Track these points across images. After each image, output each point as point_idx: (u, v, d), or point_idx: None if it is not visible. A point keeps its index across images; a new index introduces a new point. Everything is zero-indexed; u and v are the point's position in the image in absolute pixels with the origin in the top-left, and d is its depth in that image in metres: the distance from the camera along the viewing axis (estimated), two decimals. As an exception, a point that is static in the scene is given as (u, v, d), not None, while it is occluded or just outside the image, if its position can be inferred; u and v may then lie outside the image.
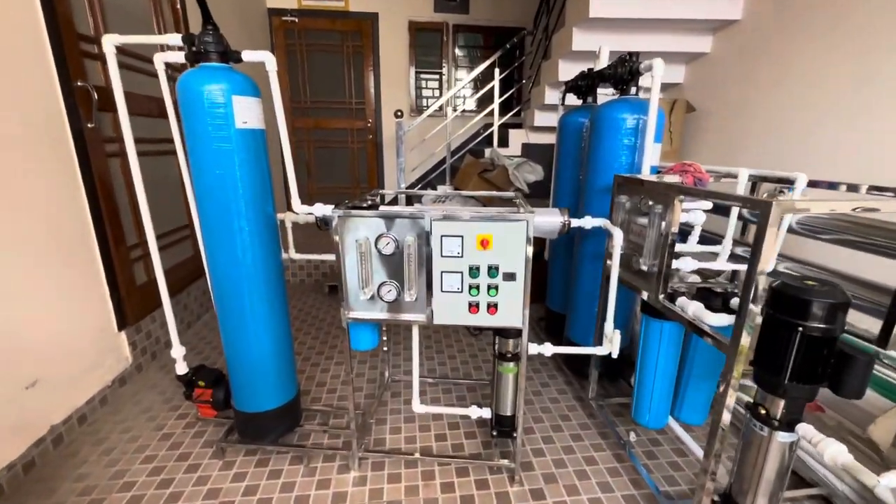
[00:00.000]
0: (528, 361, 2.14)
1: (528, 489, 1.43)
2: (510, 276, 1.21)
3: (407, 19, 4.46)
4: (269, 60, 1.26)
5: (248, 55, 1.26)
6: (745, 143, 2.52)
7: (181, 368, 1.63)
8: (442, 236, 1.19)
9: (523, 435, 1.66)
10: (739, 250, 1.59)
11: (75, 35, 1.75)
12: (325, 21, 4.39)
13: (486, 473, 1.49)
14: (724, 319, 1.18)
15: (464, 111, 4.41)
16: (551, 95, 3.29)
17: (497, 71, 3.74)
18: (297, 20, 4.34)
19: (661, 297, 1.30)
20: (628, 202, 1.49)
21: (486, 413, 1.59)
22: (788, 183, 1.38)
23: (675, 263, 1.38)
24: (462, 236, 1.19)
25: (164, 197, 2.36)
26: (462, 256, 1.20)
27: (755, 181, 1.59)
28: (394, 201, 3.75)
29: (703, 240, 1.66)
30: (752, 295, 0.97)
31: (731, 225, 1.52)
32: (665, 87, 3.26)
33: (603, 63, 1.87)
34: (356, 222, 1.25)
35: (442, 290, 1.24)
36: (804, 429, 1.04)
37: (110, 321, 1.91)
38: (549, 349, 1.52)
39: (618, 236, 1.40)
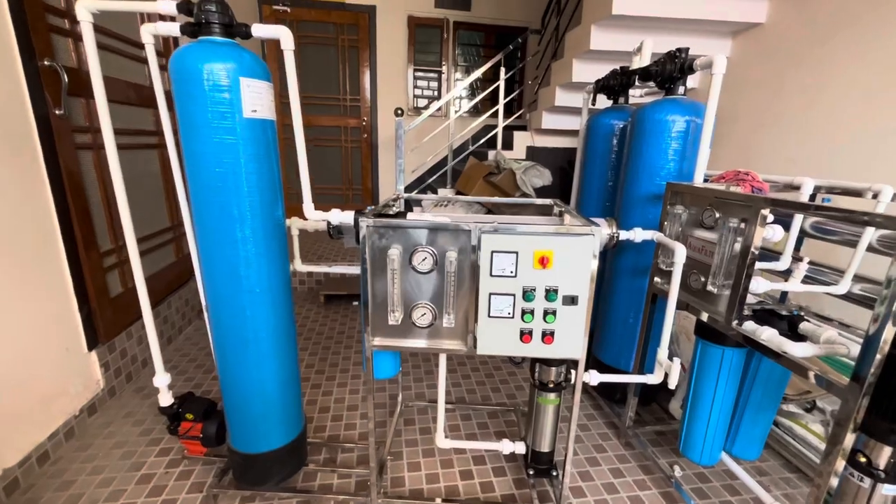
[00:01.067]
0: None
1: (574, 540, 1.25)
2: (571, 300, 1.03)
3: (406, 14, 4.26)
4: (286, 37, 1.05)
5: (259, 29, 1.05)
6: (768, 150, 2.43)
7: (166, 400, 1.38)
8: (493, 252, 1.01)
9: (564, 474, 1.49)
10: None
11: (42, 6, 1.49)
12: (320, 12, 4.15)
13: (524, 520, 1.31)
14: (809, 350, 1.03)
15: (462, 112, 4.22)
16: (563, 97, 3.14)
17: (503, 70, 3.58)
18: (289, 10, 4.08)
19: (735, 322, 1.14)
20: (685, 213, 1.34)
21: (519, 448, 1.41)
22: (855, 195, 1.25)
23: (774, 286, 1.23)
24: (517, 252, 1.00)
25: (142, 196, 2.09)
26: (516, 276, 1.02)
27: (817, 192, 1.46)
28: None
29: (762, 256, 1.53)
30: (882, 335, 0.81)
31: (792, 238, 1.39)
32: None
33: (646, 60, 1.72)
34: (388, 233, 1.05)
35: (489, 315, 1.05)
36: (918, 481, 0.90)
37: (78, 339, 1.64)
38: (595, 377, 1.35)
39: (680, 252, 1.24)
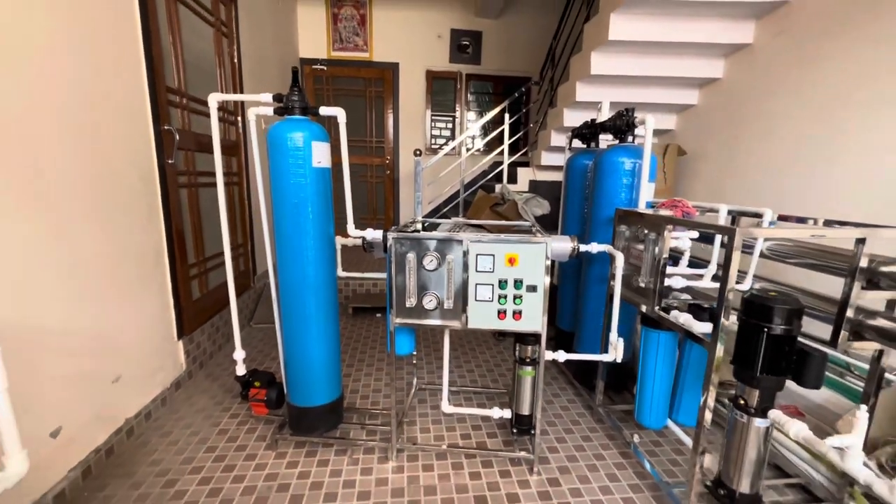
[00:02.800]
0: (548, 373, 2.37)
1: (545, 478, 1.63)
2: (532, 288, 1.48)
3: (425, 68, 4.95)
4: (341, 114, 1.59)
5: (324, 110, 1.59)
6: (730, 181, 2.85)
7: (241, 370, 1.87)
8: (477, 255, 1.48)
9: (540, 433, 1.88)
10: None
11: (164, 86, 2.10)
12: (351, 69, 4.87)
13: (508, 465, 1.70)
14: (709, 327, 1.43)
15: (476, 150, 4.80)
16: (557, 139, 3.66)
17: (507, 115, 4.15)
18: (325, 68, 4.82)
19: (657, 308, 1.56)
20: (627, 231, 1.78)
21: (506, 414, 1.82)
22: (758, 217, 1.68)
23: (667, 281, 1.66)
24: (494, 255, 1.47)
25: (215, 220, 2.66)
26: (493, 272, 1.48)
27: (735, 215, 1.89)
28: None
29: (694, 264, 1.94)
30: (723, 301, 1.23)
31: (716, 250, 1.81)
32: (659, 133, 3.64)
33: (605, 115, 2.21)
34: (406, 243, 1.53)
35: (476, 300, 1.51)
36: (774, 414, 1.28)
37: (171, 330, 2.16)
38: (562, 356, 1.77)
39: (619, 259, 1.68)
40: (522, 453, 1.72)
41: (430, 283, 1.55)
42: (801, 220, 1.81)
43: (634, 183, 1.97)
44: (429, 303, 1.56)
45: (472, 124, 4.92)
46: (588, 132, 2.34)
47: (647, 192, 1.99)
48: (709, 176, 3.07)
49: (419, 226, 1.98)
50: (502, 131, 4.21)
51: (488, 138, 4.50)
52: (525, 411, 1.79)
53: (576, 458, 1.75)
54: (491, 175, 4.44)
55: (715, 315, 1.29)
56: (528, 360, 1.74)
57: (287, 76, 4.33)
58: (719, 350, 1.29)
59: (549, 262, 1.48)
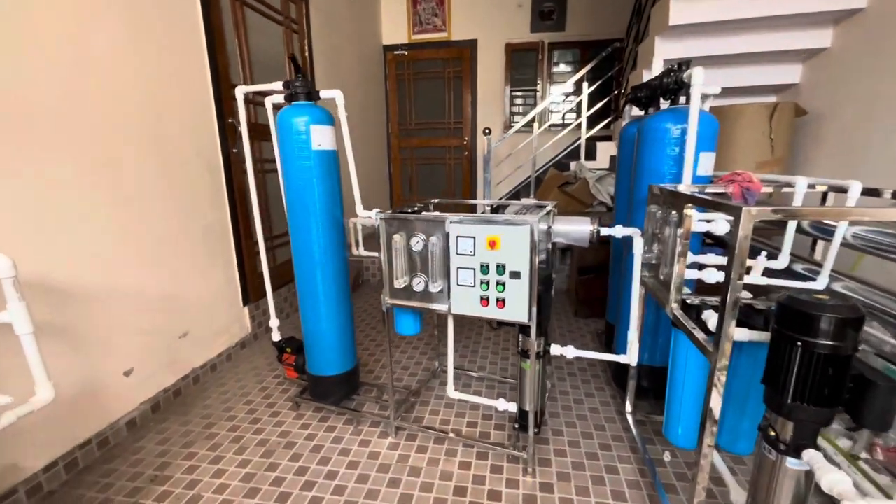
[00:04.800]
0: (578, 372, 2.17)
1: (538, 482, 1.50)
2: (516, 275, 1.34)
3: (504, 42, 4.72)
4: (339, 97, 1.62)
5: (324, 93, 1.64)
6: (869, 149, 2.15)
7: (276, 336, 2.09)
8: (458, 237, 1.39)
9: (553, 434, 1.73)
10: (800, 267, 1.44)
11: (230, 84, 2.39)
12: (430, 51, 4.90)
13: (503, 461, 1.60)
14: (744, 334, 1.14)
15: (552, 126, 4.46)
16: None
17: (585, 85, 3.75)
18: (406, 53, 4.93)
19: (674, 305, 1.28)
20: (659, 212, 1.49)
21: (511, 407, 1.71)
22: (843, 191, 1.24)
23: (697, 274, 1.35)
24: (474, 237, 1.36)
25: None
26: (474, 255, 1.38)
27: (833, 190, 1.43)
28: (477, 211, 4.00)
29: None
30: (727, 305, 0.96)
31: (789, 238, 1.40)
32: (779, 90, 2.92)
33: (655, 73, 1.85)
34: (394, 224, 1.52)
35: (458, 284, 1.43)
36: (810, 455, 0.97)
37: (238, 297, 2.50)
38: (571, 352, 1.58)
39: (637, 243, 1.42)
40: (521, 452, 1.60)
41: (419, 264, 1.51)
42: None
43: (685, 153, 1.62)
44: (417, 285, 1.53)
45: (546, 99, 4.55)
46: (643, 96, 1.98)
47: (704, 165, 1.63)
48: (838, 143, 2.37)
49: (478, 209, 1.94)
50: (580, 103, 3.83)
51: (564, 111, 4.12)
52: (529, 407, 1.66)
53: (583, 467, 1.57)
54: (566, 151, 4.09)
55: (718, 320, 1.01)
56: (530, 352, 1.59)
57: (369, 63, 4.55)
58: (720, 362, 1.01)
59: (547, 247, 1.32)
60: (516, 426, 1.68)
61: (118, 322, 1.76)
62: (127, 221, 1.78)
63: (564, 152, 4.11)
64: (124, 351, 1.80)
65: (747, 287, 1.41)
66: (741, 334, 1.11)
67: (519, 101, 4.91)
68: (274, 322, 2.08)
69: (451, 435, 1.72)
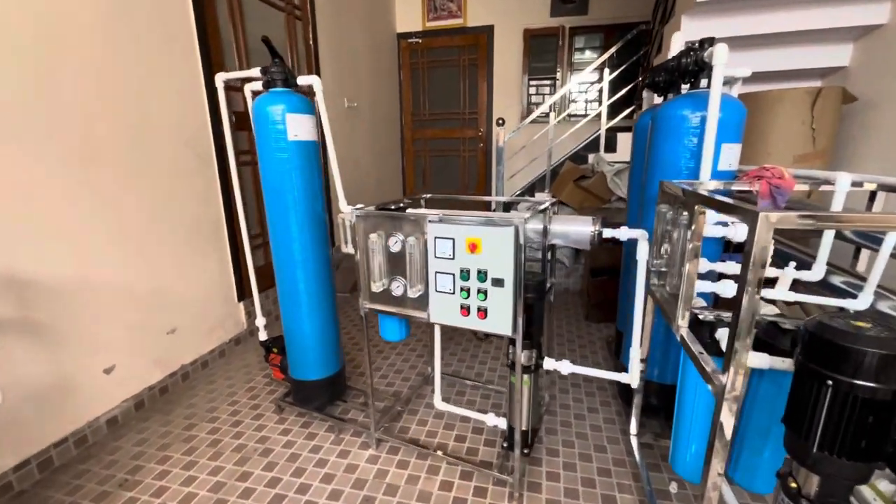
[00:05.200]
0: (582, 383, 2.00)
1: (524, 510, 1.36)
2: (498, 282, 1.19)
3: (522, 27, 4.49)
4: (316, 83, 1.49)
5: (301, 79, 1.52)
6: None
7: (263, 335, 2.01)
8: (436, 238, 1.24)
9: (545, 455, 1.57)
10: (839, 281, 1.22)
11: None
12: (445, 38, 4.72)
13: (489, 483, 1.46)
14: (761, 360, 0.95)
15: (571, 115, 4.22)
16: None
17: (607, 71, 3.49)
18: (420, 41, 4.77)
19: (680, 322, 1.10)
20: (669, 212, 1.29)
21: (502, 423, 1.57)
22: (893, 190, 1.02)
23: (711, 287, 1.16)
24: (453, 239, 1.22)
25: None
26: (454, 258, 1.23)
27: (883, 189, 1.20)
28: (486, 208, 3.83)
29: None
30: (739, 328, 0.78)
31: (825, 247, 1.19)
32: (825, 74, 2.61)
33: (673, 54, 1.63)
34: (371, 221, 1.39)
35: (437, 290, 1.29)
36: (840, 518, 0.79)
37: (232, 293, 2.45)
38: (566, 367, 1.42)
39: (642, 248, 1.24)
40: (507, 476, 1.46)
41: (397, 266, 1.38)
42: None
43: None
44: (396, 289, 1.40)
45: (563, 88, 4.28)
46: (662, 80, 1.77)
47: (728, 157, 1.42)
48: (893, 134, 2.07)
49: (492, 206, 1.80)
50: (602, 91, 3.58)
51: (585, 100, 3.86)
52: (517, 425, 1.51)
53: (576, 494, 1.41)
54: (586, 142, 3.85)
55: (727, 344, 0.83)
56: (522, 365, 1.44)
57: (381, 51, 4.42)
58: (730, 394, 0.84)
59: (521, 250, 1.16)
60: (505, 444, 1.54)
61: (99, 318, 1.71)
62: (108, 215, 1.73)
63: (583, 144, 3.87)
64: (106, 347, 1.75)
65: (770, 301, 1.21)
66: (757, 361, 0.92)
67: (538, 89, 4.66)
68: (260, 321, 2.00)
69: (437, 452, 1.59)
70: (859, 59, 2.38)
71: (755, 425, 1.20)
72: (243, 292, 2.50)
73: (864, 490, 1.34)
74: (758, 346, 1.03)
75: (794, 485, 0.87)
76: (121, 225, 1.79)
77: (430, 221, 1.25)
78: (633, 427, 1.59)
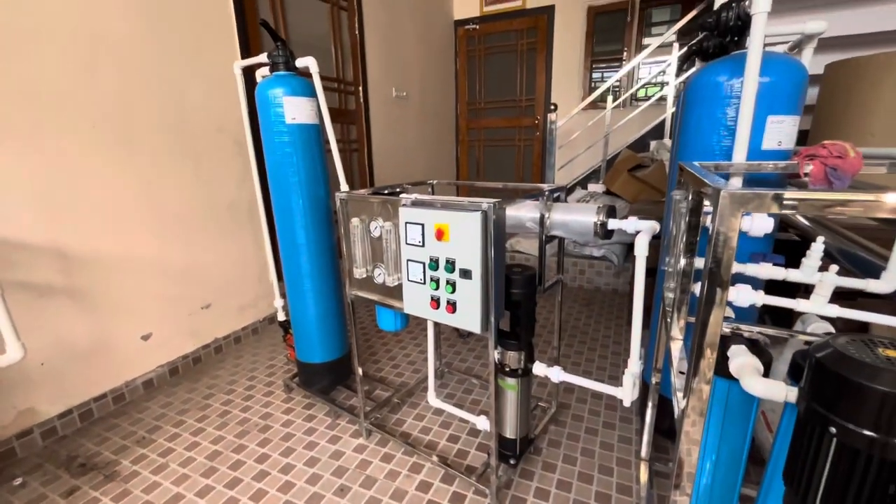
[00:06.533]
0: (604, 395, 1.79)
1: (500, 526, 1.23)
2: (466, 274, 1.07)
3: (587, 5, 4.14)
4: (312, 64, 1.48)
5: (299, 61, 1.52)
6: None
7: (281, 316, 2.08)
8: (406, 223, 1.16)
9: (540, 469, 1.43)
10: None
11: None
12: (503, 23, 4.52)
13: (468, 491, 1.36)
14: (773, 390, 0.74)
15: (635, 99, 3.80)
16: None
17: (676, 46, 3.08)
18: (477, 27, 4.63)
19: (674, 331, 0.90)
20: (684, 200, 1.07)
21: (488, 426, 1.44)
22: None
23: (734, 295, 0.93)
24: (423, 224, 1.12)
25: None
26: (423, 246, 1.14)
27: None
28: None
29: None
30: (695, 349, 0.59)
31: (817, 250, 0.89)
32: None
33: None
34: (355, 205, 1.34)
35: (409, 279, 1.20)
36: None
37: (268, 273, 2.57)
38: (556, 374, 1.26)
39: (641, 242, 1.04)
40: (486, 488, 1.34)
41: (378, 253, 1.32)
42: None
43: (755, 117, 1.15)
44: (378, 276, 1.34)
45: (644, 66, 3.86)
46: (712, 45, 1.48)
47: (776, 133, 1.14)
48: None
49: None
50: (669, 71, 3.17)
51: (653, 81, 3.42)
52: (505, 433, 1.38)
53: (564, 519, 1.25)
54: (651, 128, 3.45)
55: (688, 369, 0.64)
56: (507, 369, 1.31)
57: (435, 39, 4.37)
58: (687, 421, 0.66)
59: (490, 238, 1.03)
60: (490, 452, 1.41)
61: (138, 289, 1.89)
62: (149, 195, 1.90)
63: (647, 130, 3.47)
64: (144, 316, 1.93)
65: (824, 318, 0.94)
66: (758, 388, 0.71)
67: (606, 73, 4.28)
68: (279, 302, 2.07)
69: (423, 449, 1.52)
70: None
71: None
72: (279, 274, 2.62)
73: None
74: (794, 373, 0.81)
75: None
76: (160, 205, 1.95)
77: (402, 206, 1.17)
78: (644, 450, 1.37)
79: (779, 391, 0.71)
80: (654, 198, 2.92)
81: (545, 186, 1.32)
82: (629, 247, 3.05)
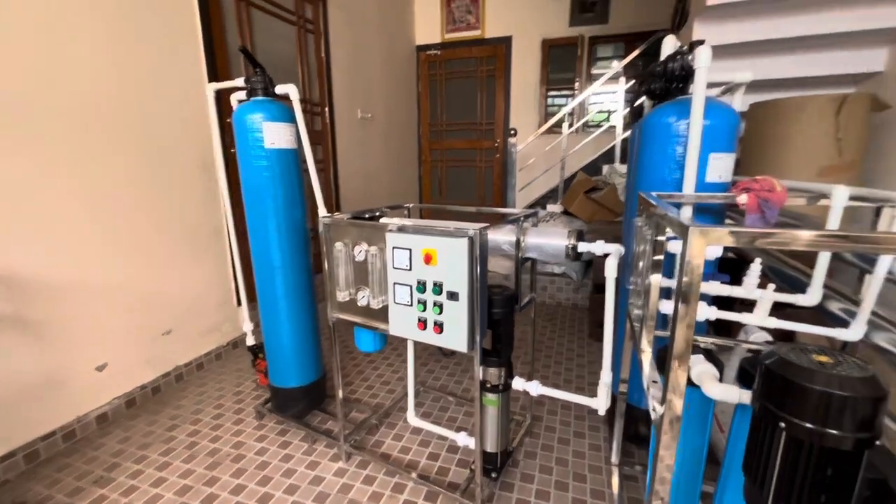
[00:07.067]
0: (573, 406, 1.89)
1: (485, 539, 1.28)
2: (453, 296, 1.13)
3: (541, 38, 4.44)
4: (293, 91, 1.51)
5: (279, 88, 1.54)
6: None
7: (250, 340, 2.03)
8: (394, 248, 1.21)
9: (518, 481, 1.49)
10: (837, 307, 1.09)
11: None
12: (464, 50, 4.73)
13: (453, 507, 1.39)
14: (729, 393, 0.85)
15: (587, 125, 4.10)
16: (676, 102, 2.79)
17: (622, 80, 3.38)
18: (439, 53, 4.81)
19: (643, 345, 1.01)
20: (646, 227, 1.20)
21: (471, 443, 1.49)
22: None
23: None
24: (410, 249, 1.18)
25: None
26: (411, 269, 1.19)
27: (881, 206, 1.07)
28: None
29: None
30: (670, 355, 0.69)
31: (821, 269, 1.06)
32: (858, 80, 2.40)
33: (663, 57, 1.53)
34: (338, 229, 1.37)
35: (395, 302, 1.25)
36: (798, 583, 0.68)
37: (231, 297, 2.50)
38: (536, 388, 1.34)
39: (611, 264, 1.15)
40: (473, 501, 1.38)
41: (361, 276, 1.35)
42: None
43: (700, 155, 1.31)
44: (361, 299, 1.37)
45: (573, 99, 4.16)
46: (658, 87, 1.67)
47: (717, 168, 1.31)
48: (931, 142, 1.87)
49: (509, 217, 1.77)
50: (618, 101, 3.47)
51: (602, 110, 3.74)
52: (488, 447, 1.43)
53: (544, 527, 1.32)
54: (602, 153, 3.73)
55: (667, 371, 0.74)
56: (489, 385, 1.37)
57: (398, 63, 4.48)
58: (663, 434, 0.75)
59: (477, 262, 1.11)
60: (473, 467, 1.46)
61: (94, 316, 1.78)
62: (108, 216, 1.81)
63: (599, 154, 3.75)
64: (100, 345, 1.82)
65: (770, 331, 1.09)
66: (716, 392, 0.82)
67: (558, 100, 4.58)
68: (248, 326, 2.02)
69: (404, 470, 1.54)
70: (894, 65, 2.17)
71: (738, 465, 1.08)
72: (252, 295, 2.54)
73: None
74: (744, 379, 0.93)
75: (753, 538, 0.76)
76: (120, 227, 1.87)
77: (389, 231, 1.22)
78: (614, 456, 1.48)
79: (734, 394, 0.82)
80: (609, 218, 3.14)
81: (517, 211, 1.42)
82: (587, 264, 3.25)
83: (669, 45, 1.52)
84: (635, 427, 1.64)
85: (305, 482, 1.51)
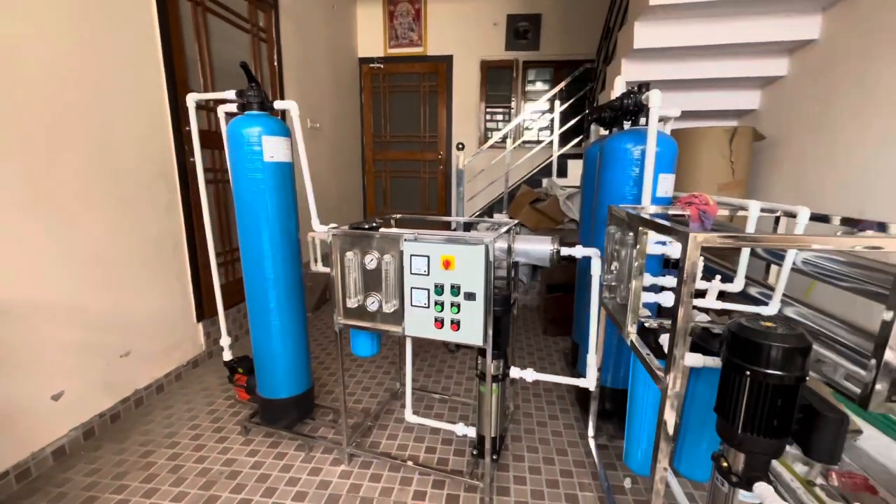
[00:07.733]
0: (543, 392, 2.12)
1: (495, 512, 1.44)
2: (471, 296, 1.29)
3: (479, 59, 4.77)
4: (293, 108, 1.56)
5: (278, 104, 1.58)
6: (824, 173, 2.22)
7: (227, 355, 1.97)
8: (412, 255, 1.33)
9: (513, 460, 1.67)
10: (755, 291, 1.44)
11: (188, 92, 2.29)
12: (406, 65, 4.90)
13: (461, 490, 1.53)
14: (696, 360, 1.11)
15: (526, 142, 4.50)
16: (606, 126, 3.24)
17: (557, 103, 3.80)
18: (382, 66, 4.92)
19: (630, 329, 1.26)
20: (618, 233, 1.47)
21: (471, 432, 1.64)
22: (794, 216, 1.25)
23: (655, 298, 1.33)
24: (428, 256, 1.31)
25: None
26: (428, 275, 1.32)
27: (787, 215, 1.44)
28: (449, 227, 3.96)
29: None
30: (677, 332, 0.93)
31: (744, 263, 1.40)
32: (740, 115, 3.01)
33: (617, 94, 1.86)
34: (347, 240, 1.45)
35: (412, 305, 1.37)
36: (761, 489, 0.94)
37: (191, 313, 2.37)
38: (530, 375, 1.53)
39: (595, 265, 1.40)
40: (478, 482, 1.53)
41: (372, 283, 1.45)
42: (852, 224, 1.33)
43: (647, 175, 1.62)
44: (371, 304, 1.46)
45: (519, 116, 4.58)
46: (607, 116, 2.00)
47: (664, 185, 1.63)
48: (792, 168, 2.44)
49: (453, 226, 1.88)
50: (553, 121, 3.88)
51: (539, 128, 4.17)
52: (486, 432, 1.59)
53: (542, 496, 1.51)
54: (539, 168, 4.12)
55: (668, 346, 0.98)
56: (490, 375, 1.54)
57: (343, 75, 4.51)
58: (672, 391, 0.98)
59: (491, 266, 1.28)
60: (475, 452, 1.61)
61: (47, 341, 1.62)
62: (58, 232, 1.66)
63: (537, 169, 4.14)
64: (53, 372, 1.65)
65: (703, 310, 1.40)
66: (693, 360, 1.08)
67: (497, 117, 4.94)
68: (225, 340, 1.96)
69: (409, 463, 1.64)
70: (766, 104, 2.79)
71: (694, 421, 1.36)
72: (202, 313, 2.43)
73: (784, 473, 1.55)
74: (694, 349, 1.21)
75: (725, 464, 1.02)
76: (72, 243, 1.72)
77: (405, 240, 1.34)
78: (591, 430, 1.73)
79: (704, 360, 1.09)
80: (551, 226, 3.50)
81: (508, 222, 1.62)
82: (534, 268, 3.57)
83: (619, 85, 1.84)
84: (601, 404, 1.91)
85: (313, 488, 1.54)
